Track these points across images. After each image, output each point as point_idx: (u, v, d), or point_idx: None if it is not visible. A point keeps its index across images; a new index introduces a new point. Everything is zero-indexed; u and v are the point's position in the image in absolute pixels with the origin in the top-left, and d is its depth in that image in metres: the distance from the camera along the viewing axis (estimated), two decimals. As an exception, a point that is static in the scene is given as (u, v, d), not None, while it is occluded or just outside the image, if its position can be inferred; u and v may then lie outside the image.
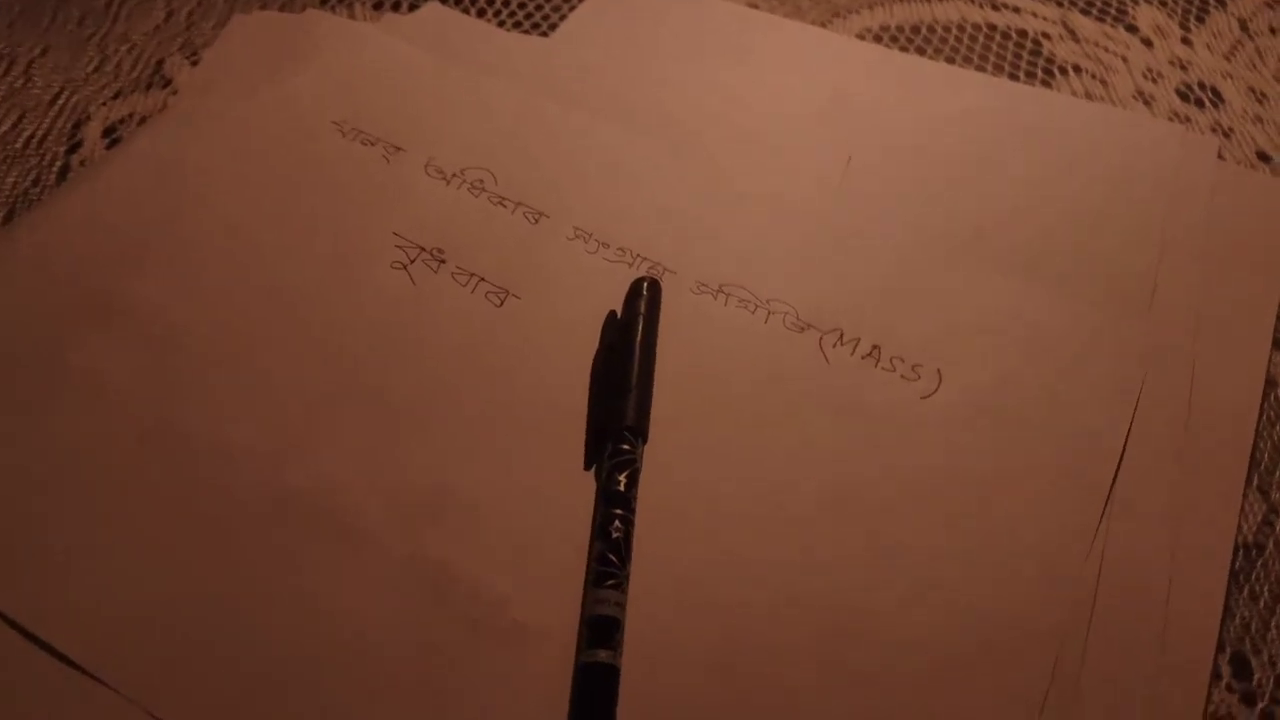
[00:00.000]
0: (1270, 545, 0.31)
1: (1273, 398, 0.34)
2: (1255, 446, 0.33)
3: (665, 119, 0.42)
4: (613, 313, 0.35)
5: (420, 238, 0.38)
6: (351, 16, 0.47)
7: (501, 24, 0.47)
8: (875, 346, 0.35)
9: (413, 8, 0.48)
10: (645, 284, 0.35)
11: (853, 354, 0.35)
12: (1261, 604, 0.30)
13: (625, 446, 0.31)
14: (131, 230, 0.38)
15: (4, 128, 0.42)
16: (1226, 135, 0.43)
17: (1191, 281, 0.37)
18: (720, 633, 0.29)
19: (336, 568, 0.29)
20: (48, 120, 0.42)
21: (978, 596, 0.29)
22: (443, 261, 0.37)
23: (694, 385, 0.34)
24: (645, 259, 0.37)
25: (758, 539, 0.30)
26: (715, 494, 0.31)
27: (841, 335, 0.35)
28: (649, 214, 0.39)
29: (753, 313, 0.36)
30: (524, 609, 0.29)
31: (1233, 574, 0.30)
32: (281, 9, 0.48)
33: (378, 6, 0.48)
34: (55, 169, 0.41)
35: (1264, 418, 0.34)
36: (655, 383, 0.33)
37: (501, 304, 0.36)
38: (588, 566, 0.29)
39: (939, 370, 0.34)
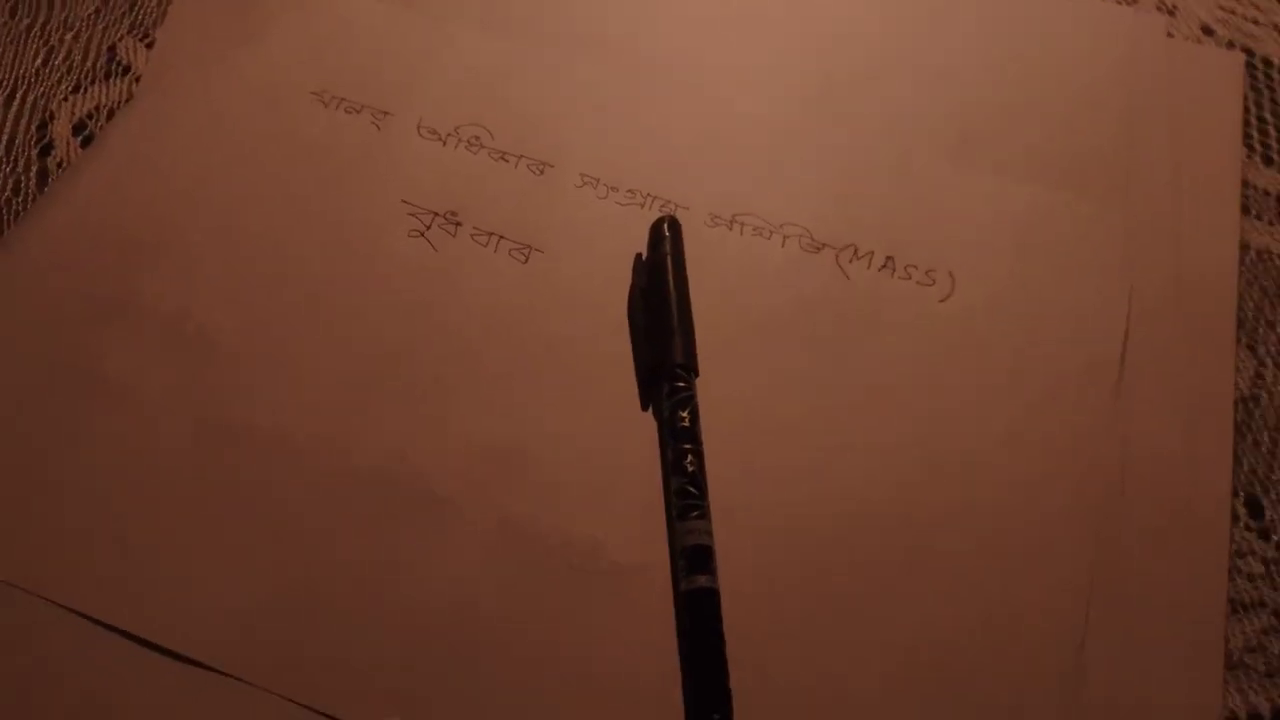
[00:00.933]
0: (1264, 396, 0.34)
1: (1247, 260, 0.37)
2: (1239, 307, 0.36)
3: (639, 51, 0.42)
4: (639, 255, 0.36)
5: (431, 203, 0.38)
6: (301, -23, 0.46)
7: (457, -30, 0.46)
8: (889, 257, 0.37)
9: (362, -39, 0.46)
10: (666, 224, 0.36)
11: (869, 267, 0.37)
12: (1264, 450, 0.33)
13: (681, 384, 0.32)
14: (130, 231, 0.37)
15: (-36, 136, 0.40)
16: (1171, 13, 0.45)
17: (1160, 159, 0.40)
18: (794, 543, 0.31)
19: (432, 539, 0.31)
20: (9, 123, 0.41)
21: (1019, 480, 0.32)
22: (459, 224, 0.37)
23: (725, 317, 0.35)
24: (656, 198, 0.38)
25: (812, 454, 0.33)
26: (765, 416, 0.33)
27: (856, 250, 0.37)
28: (649, 151, 0.39)
29: (768, 239, 0.37)
30: (618, 550, 0.30)
31: (1236, 426, 0.33)
32: (225, -24, 0.46)
33: (327, -36, 0.46)
34: (33, 174, 0.39)
35: (1242, 280, 0.37)
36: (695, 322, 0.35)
37: (526, 260, 0.37)
38: (668, 501, 0.31)
39: (951, 273, 0.36)
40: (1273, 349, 0.35)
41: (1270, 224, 0.38)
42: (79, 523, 0.31)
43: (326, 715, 0.28)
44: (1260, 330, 0.36)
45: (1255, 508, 0.32)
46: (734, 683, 0.28)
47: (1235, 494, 0.32)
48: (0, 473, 0.32)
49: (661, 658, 0.29)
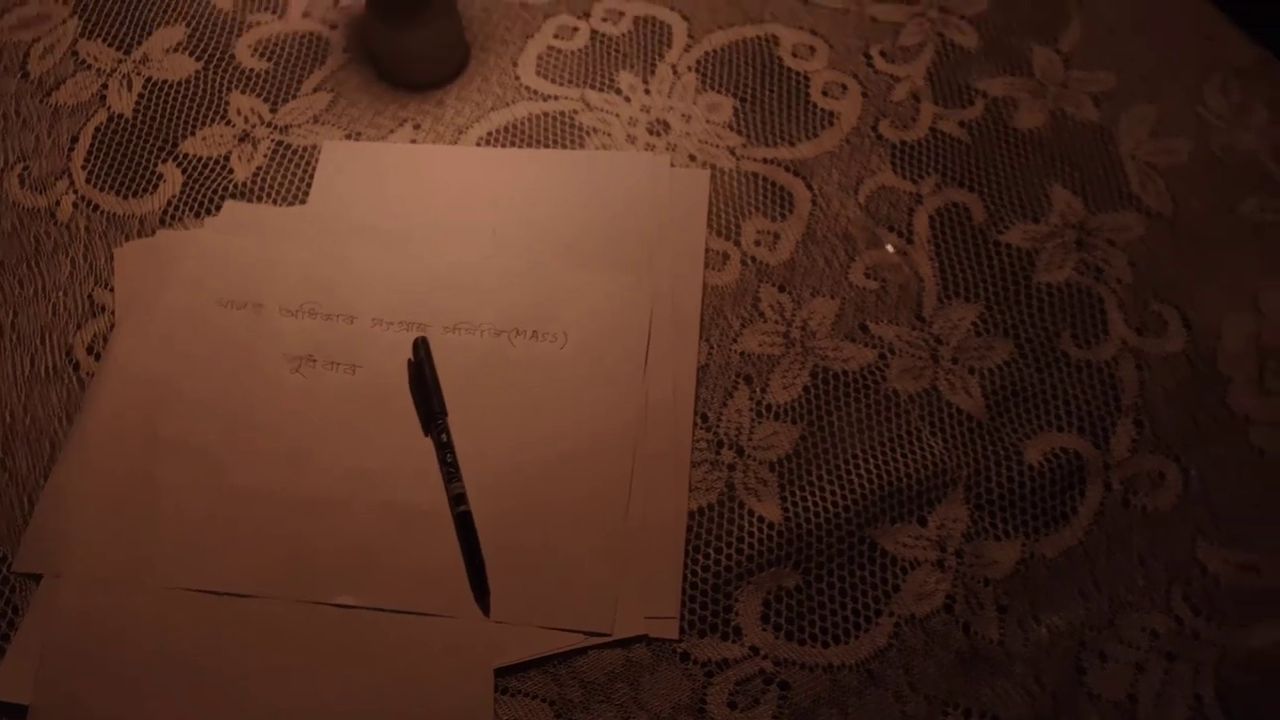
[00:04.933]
0: (711, 365, 0.73)
1: (708, 291, 0.76)
2: (702, 322, 0.75)
3: (389, 231, 0.78)
4: (409, 360, 0.73)
5: (298, 352, 0.73)
6: (184, 227, 0.79)
7: (275, 202, 0.80)
8: (535, 330, 0.74)
9: (217, 208, 0.80)
10: (420, 341, 0.72)
11: (526, 339, 0.74)
12: (710, 390, 0.72)
13: (440, 421, 0.69)
14: (142, 398, 0.71)
15: (28, 369, 0.73)
16: (673, 150, 0.83)
17: (666, 240, 0.78)
18: (500, 484, 0.68)
19: (347, 518, 0.67)
20: (47, 355, 0.74)
21: (600, 422, 0.70)
22: (315, 361, 0.73)
23: (455, 383, 0.72)
24: (414, 323, 0.74)
25: (503, 442, 0.70)
26: (480, 428, 0.70)
27: (518, 330, 0.74)
28: (404, 296, 0.75)
29: (473, 334, 0.74)
30: (426, 503, 0.68)
31: (698, 381, 0.72)
32: (140, 235, 0.79)
33: (197, 215, 0.80)
34: (75, 381, 0.73)
35: (702, 303, 0.76)
36: (441, 385, 0.71)
37: (354, 373, 0.73)
38: (443, 475, 0.68)
39: (566, 333, 0.74)
40: (715, 340, 0.74)
41: (718, 270, 0.77)
42: (173, 547, 0.66)
43: (315, 602, 0.64)
44: (711, 330, 0.75)
45: (705, 418, 0.71)
46: (484, 551, 0.66)
47: (696, 413, 0.71)
48: (115, 532, 0.66)
49: (450, 548, 0.66)
